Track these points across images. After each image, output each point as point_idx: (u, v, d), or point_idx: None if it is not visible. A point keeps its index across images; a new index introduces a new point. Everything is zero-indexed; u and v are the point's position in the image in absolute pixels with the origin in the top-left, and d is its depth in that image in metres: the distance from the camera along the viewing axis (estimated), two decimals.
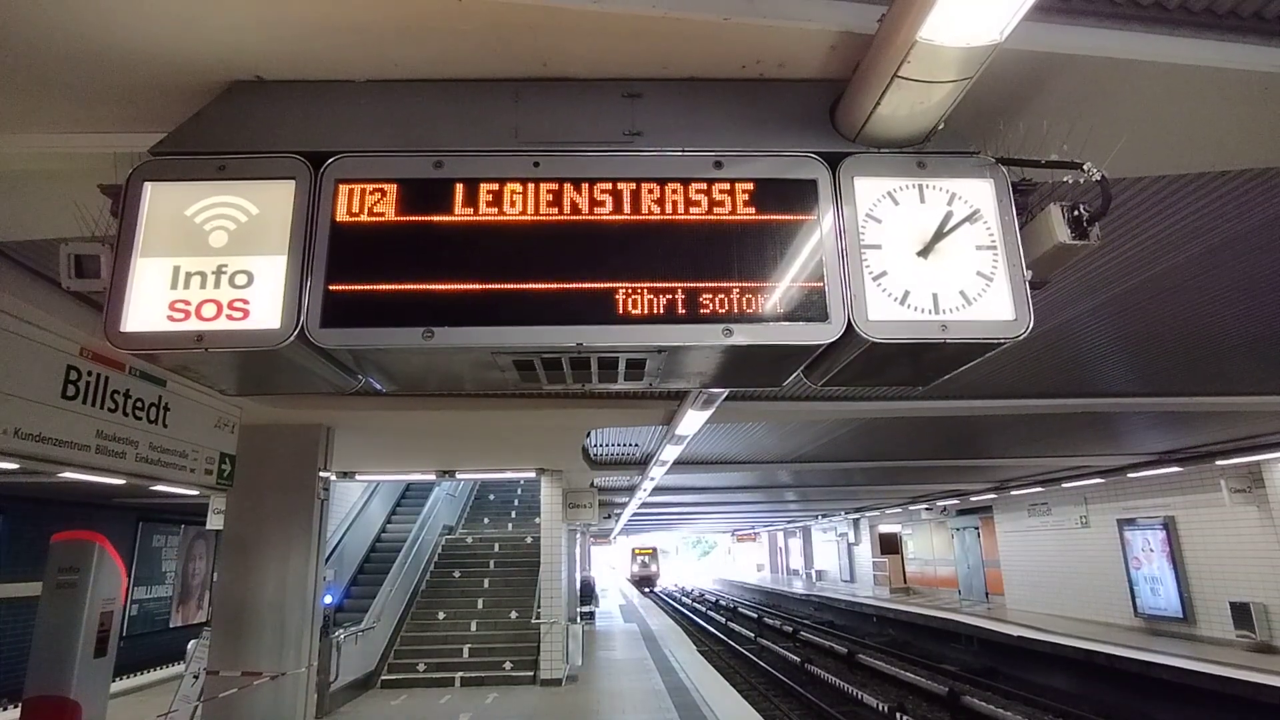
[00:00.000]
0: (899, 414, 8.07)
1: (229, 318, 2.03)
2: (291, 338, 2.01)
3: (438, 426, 8.37)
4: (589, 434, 9.79)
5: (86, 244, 2.12)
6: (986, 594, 22.17)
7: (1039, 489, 17.49)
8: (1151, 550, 15.20)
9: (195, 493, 13.43)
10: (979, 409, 7.86)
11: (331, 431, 8.01)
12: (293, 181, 2.15)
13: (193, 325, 2.01)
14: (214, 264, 2.07)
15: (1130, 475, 14.39)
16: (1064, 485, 16.58)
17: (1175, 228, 3.94)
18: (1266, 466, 12.88)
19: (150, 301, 2.02)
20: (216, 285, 2.05)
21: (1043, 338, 5.77)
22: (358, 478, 13.00)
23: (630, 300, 2.06)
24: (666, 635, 17.74)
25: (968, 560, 23.52)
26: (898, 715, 13.61)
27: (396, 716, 9.75)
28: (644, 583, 51.28)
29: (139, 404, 5.34)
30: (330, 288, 2.06)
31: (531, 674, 11.91)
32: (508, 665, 12.28)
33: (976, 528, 22.78)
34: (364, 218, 2.13)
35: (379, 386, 2.56)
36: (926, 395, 7.54)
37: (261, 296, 2.05)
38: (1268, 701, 10.29)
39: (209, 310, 2.03)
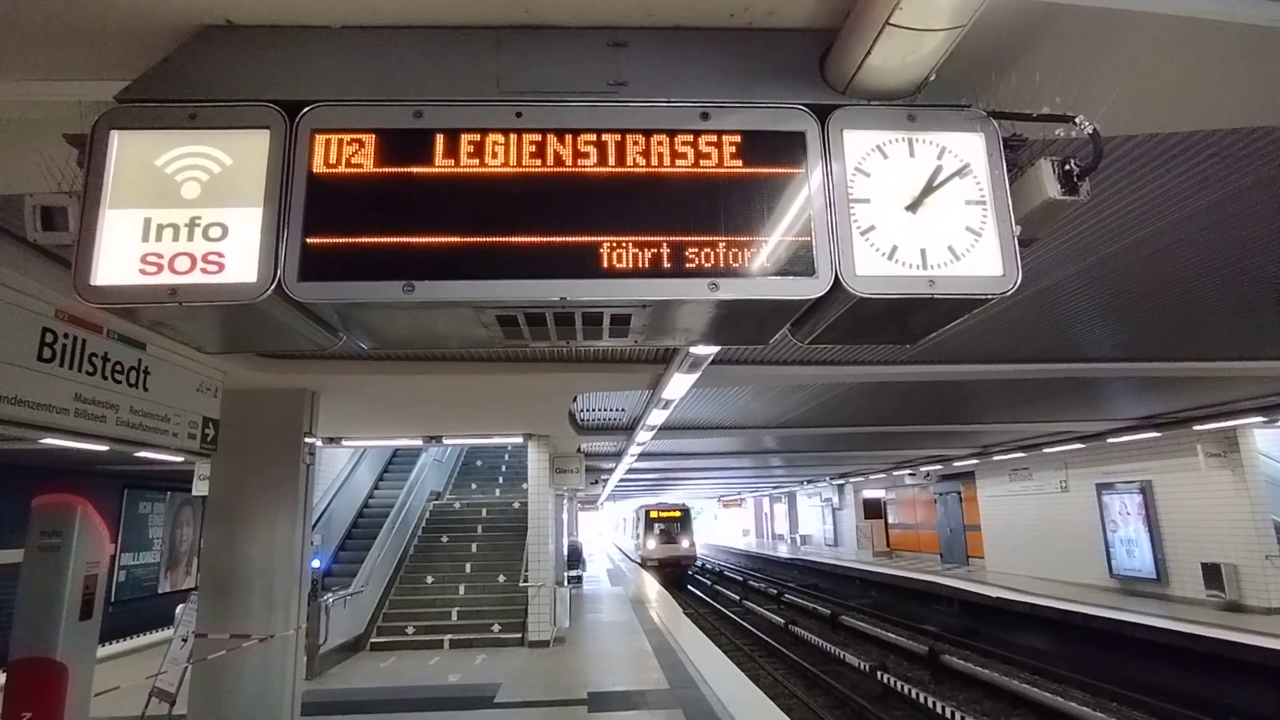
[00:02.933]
0: (884, 378, 8.12)
1: (203, 271, 1.98)
2: (268, 292, 1.96)
3: (424, 391, 8.33)
4: (576, 398, 9.78)
5: (53, 196, 2.06)
6: (967, 557, 22.62)
7: (1021, 454, 17.75)
8: (1128, 514, 15.53)
9: (180, 459, 13.36)
10: (964, 374, 7.92)
11: (316, 396, 7.95)
12: (267, 131, 2.08)
13: (166, 279, 1.96)
14: (187, 216, 2.01)
15: (1110, 440, 14.62)
16: (1045, 450, 16.83)
17: (1161, 190, 3.93)
18: (1242, 432, 13.13)
19: (121, 254, 1.96)
20: (190, 238, 1.99)
21: (1027, 302, 5.79)
22: (344, 443, 12.98)
23: (615, 254, 2.02)
24: (653, 599, 17.99)
25: (949, 524, 23.93)
26: (879, 674, 13.96)
27: (386, 678, 9.87)
28: (670, 570, 31.60)
29: (118, 367, 5.27)
30: (308, 241, 2.01)
31: (519, 636, 12.07)
32: (496, 628, 12.43)
33: (959, 492, 23.14)
34: (342, 169, 2.07)
35: (362, 344, 2.52)
36: (911, 360, 7.58)
37: (237, 250, 1.99)
38: (1237, 658, 10.62)
39: (182, 264, 1.97)
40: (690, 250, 2.04)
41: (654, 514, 34.33)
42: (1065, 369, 8.00)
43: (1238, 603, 13.02)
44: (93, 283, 1.94)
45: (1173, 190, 3.93)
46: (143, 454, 12.51)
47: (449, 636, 12.22)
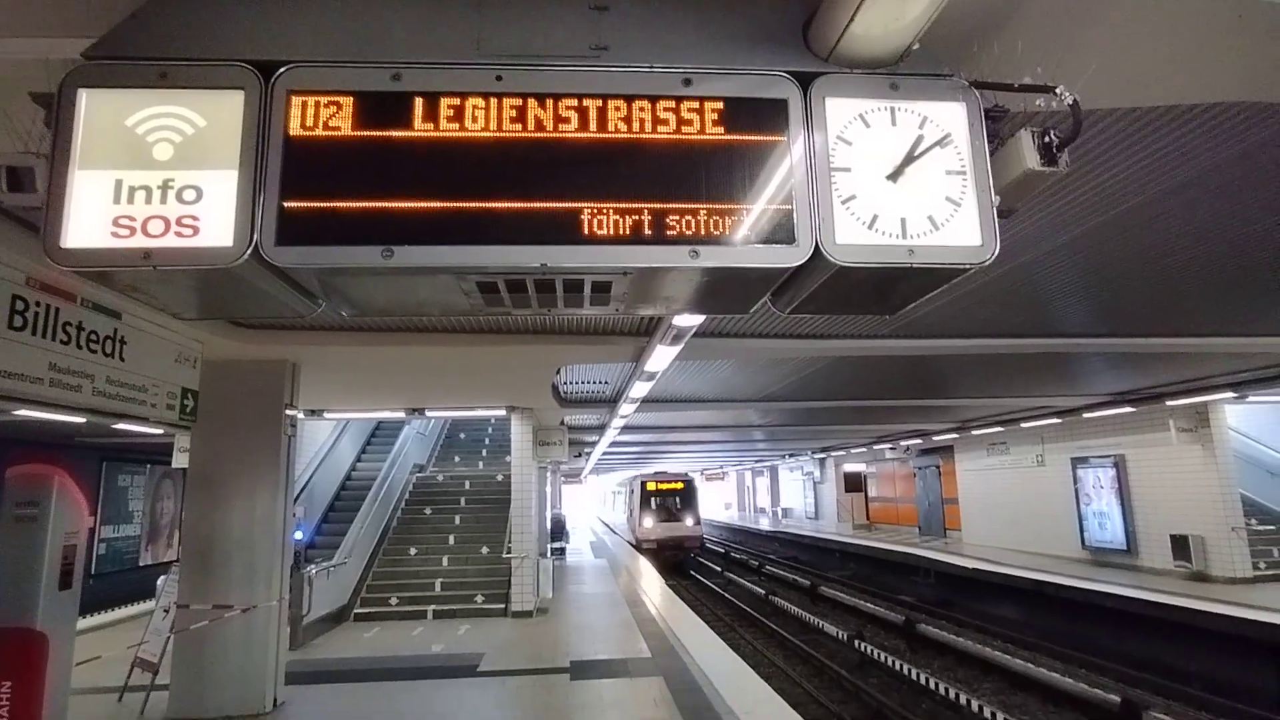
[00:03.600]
0: (866, 352, 8.18)
1: (178, 235, 1.95)
2: (245, 256, 1.94)
3: (406, 362, 8.29)
4: (559, 371, 9.78)
5: (19, 156, 2.01)
6: (944, 530, 23.02)
7: (999, 429, 18.01)
8: (1102, 487, 15.86)
9: (159, 431, 13.27)
10: (944, 348, 8.00)
11: (297, 367, 7.89)
12: (241, 92, 2.04)
13: (139, 242, 1.93)
14: (159, 178, 1.97)
15: (1085, 415, 14.86)
16: (1022, 425, 17.09)
17: (1139, 166, 3.96)
18: (1213, 407, 13.40)
19: (91, 217, 1.93)
20: (163, 201, 1.96)
21: (1006, 277, 5.84)
22: (326, 416, 12.92)
23: (595, 221, 2.02)
24: (635, 571, 18.19)
25: (928, 498, 24.31)
26: (856, 643, 14.25)
27: (370, 648, 9.94)
28: (671, 553, 26.60)
29: (93, 336, 5.19)
30: (285, 204, 1.98)
31: (503, 607, 12.17)
32: (479, 599, 12.52)
33: (937, 466, 23.49)
34: (319, 132, 2.04)
35: (341, 311, 2.50)
36: (892, 334, 7.64)
37: (212, 213, 1.96)
38: (1201, 626, 10.96)
39: (156, 227, 1.95)
40: (671, 217, 2.04)
41: (652, 486, 28.51)
42: (1043, 344, 8.10)
43: (1203, 573, 13.40)
44: (63, 245, 1.91)
45: (1150, 166, 3.96)
46: (121, 426, 12.43)
47: (432, 607, 12.30)
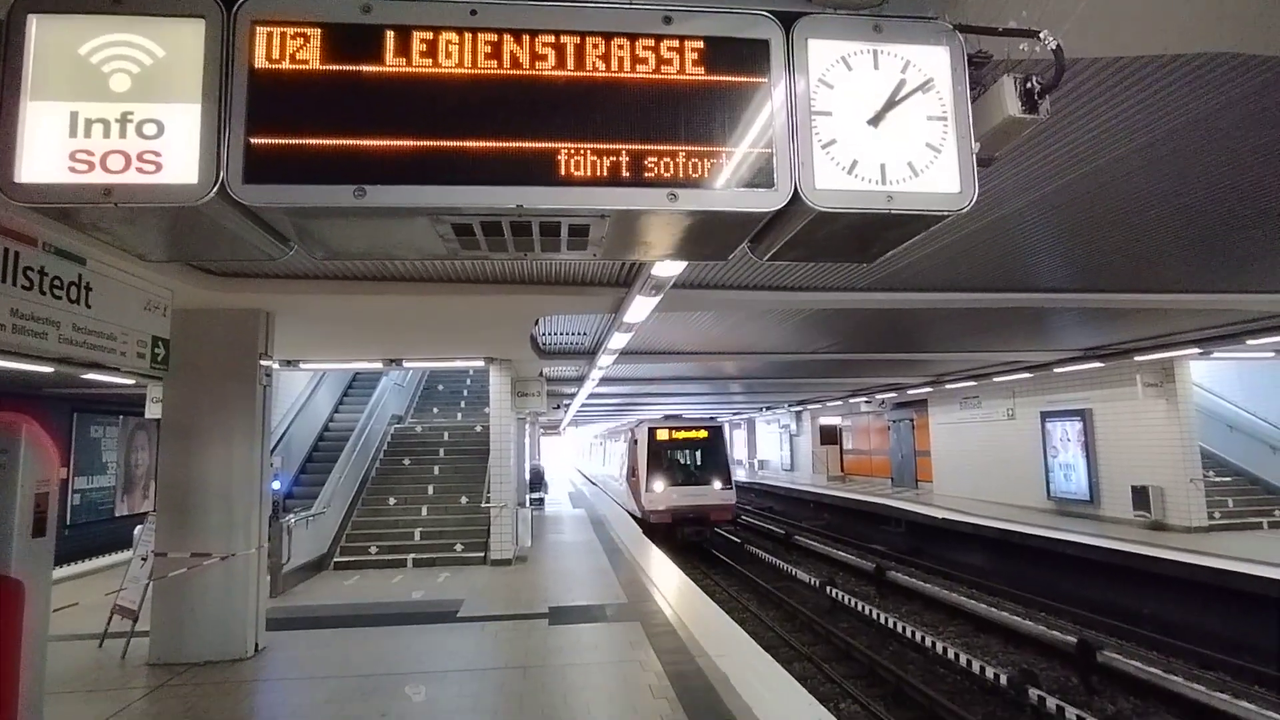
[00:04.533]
0: (843, 305, 8.22)
1: (139, 171, 1.88)
2: (211, 194, 1.88)
3: (383, 312, 8.18)
4: (538, 321, 9.73)
5: None
6: (916, 481, 23.57)
7: (972, 383, 18.32)
8: (1068, 440, 16.29)
9: (130, 381, 13.09)
10: (920, 302, 8.06)
11: (271, 317, 7.77)
12: (202, 21, 1.95)
13: (99, 178, 1.87)
14: (117, 111, 1.90)
15: (1056, 370, 15.15)
16: (995, 379, 17.39)
17: (1118, 119, 3.95)
18: (1178, 363, 13.73)
19: (47, 150, 1.86)
20: (122, 135, 1.89)
21: (983, 231, 5.86)
22: (302, 366, 12.78)
23: (572, 161, 1.98)
24: (613, 520, 18.46)
25: (901, 450, 24.82)
26: (828, 589, 14.68)
27: (350, 595, 10.05)
28: (692, 530, 19.79)
29: (57, 282, 5.05)
30: (252, 141, 1.92)
31: (482, 555, 12.33)
32: (459, 547, 12.67)
33: (911, 419, 23.92)
34: (285, 65, 1.97)
35: (314, 254, 2.45)
36: (869, 287, 7.68)
37: (175, 148, 1.90)
38: (1156, 572, 11.42)
39: (116, 162, 1.88)
40: (649, 159, 2.01)
41: (664, 435, 21.07)
42: (1018, 299, 8.19)
43: (1161, 522, 13.90)
44: (18, 180, 1.84)
45: (1129, 119, 3.95)
46: (91, 376, 12.21)
47: (412, 556, 12.43)
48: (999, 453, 18.79)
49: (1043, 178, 4.81)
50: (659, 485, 20.17)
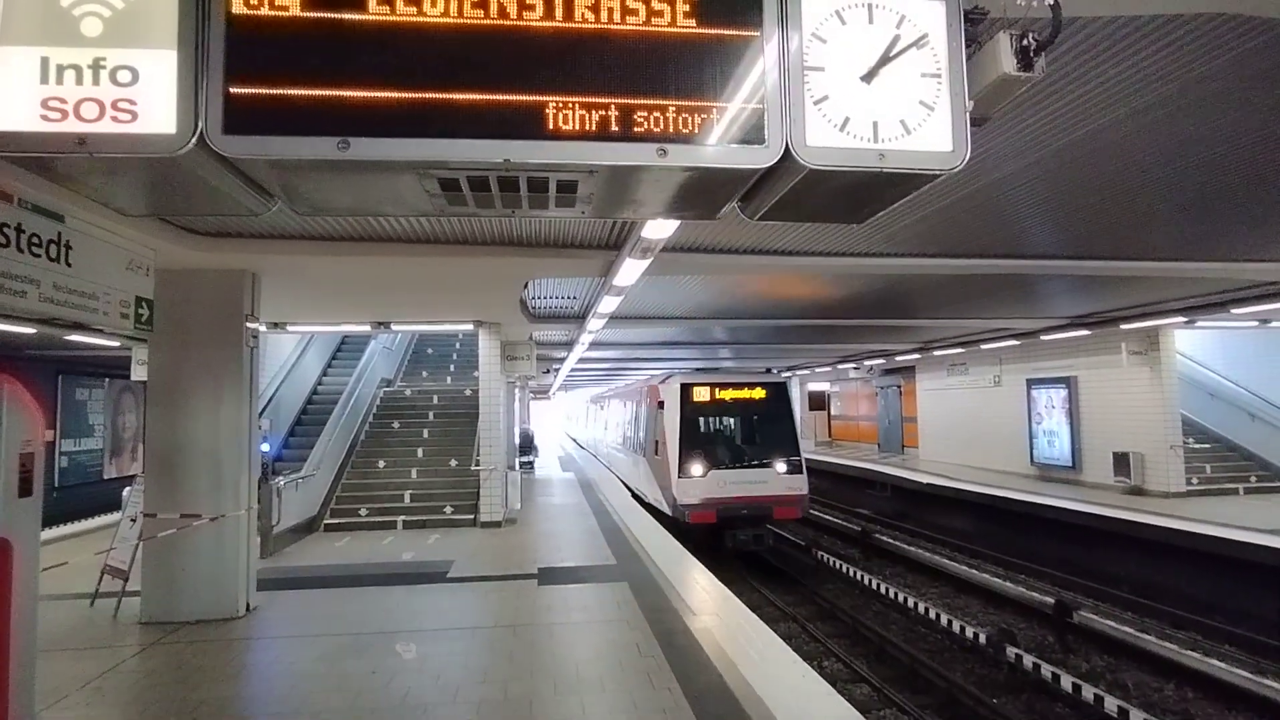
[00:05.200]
0: (834, 270, 8.22)
1: (114, 120, 1.83)
2: (190, 145, 1.84)
3: (371, 274, 8.10)
4: (527, 285, 9.67)
5: None
6: (903, 447, 23.84)
7: (960, 350, 18.43)
8: (1053, 407, 16.48)
9: (115, 343, 12.99)
10: (910, 267, 8.05)
11: (257, 278, 7.67)
12: None
13: (72, 126, 1.82)
14: (89, 57, 1.84)
15: (1043, 338, 15.25)
16: (982, 347, 17.50)
17: (1113, 82, 3.91)
18: (1163, 331, 13.85)
19: (18, 97, 1.80)
20: (95, 82, 1.84)
21: (977, 195, 5.84)
22: (290, 329, 12.67)
23: (561, 115, 1.95)
24: (601, 483, 18.61)
25: (888, 416, 25.04)
26: (813, 551, 14.93)
27: (340, 556, 10.13)
28: (745, 530, 13.70)
29: (35, 239, 4.95)
30: (231, 90, 1.87)
31: (472, 517, 12.42)
32: (448, 509, 12.75)
33: (899, 386, 24.10)
34: (264, 11, 1.91)
35: (298, 209, 2.41)
36: (861, 253, 7.66)
37: (150, 96, 1.85)
38: (1134, 535, 11.65)
39: (90, 110, 1.83)
40: (639, 114, 1.97)
41: (704, 393, 15.06)
42: (1008, 265, 8.20)
43: (1140, 487, 14.16)
44: None
45: (1124, 82, 3.91)
46: (74, 337, 12.08)
47: (402, 518, 12.50)
48: (985, 419, 18.99)
49: (1036, 142, 4.77)
50: (698, 467, 13.80)
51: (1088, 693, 7.97)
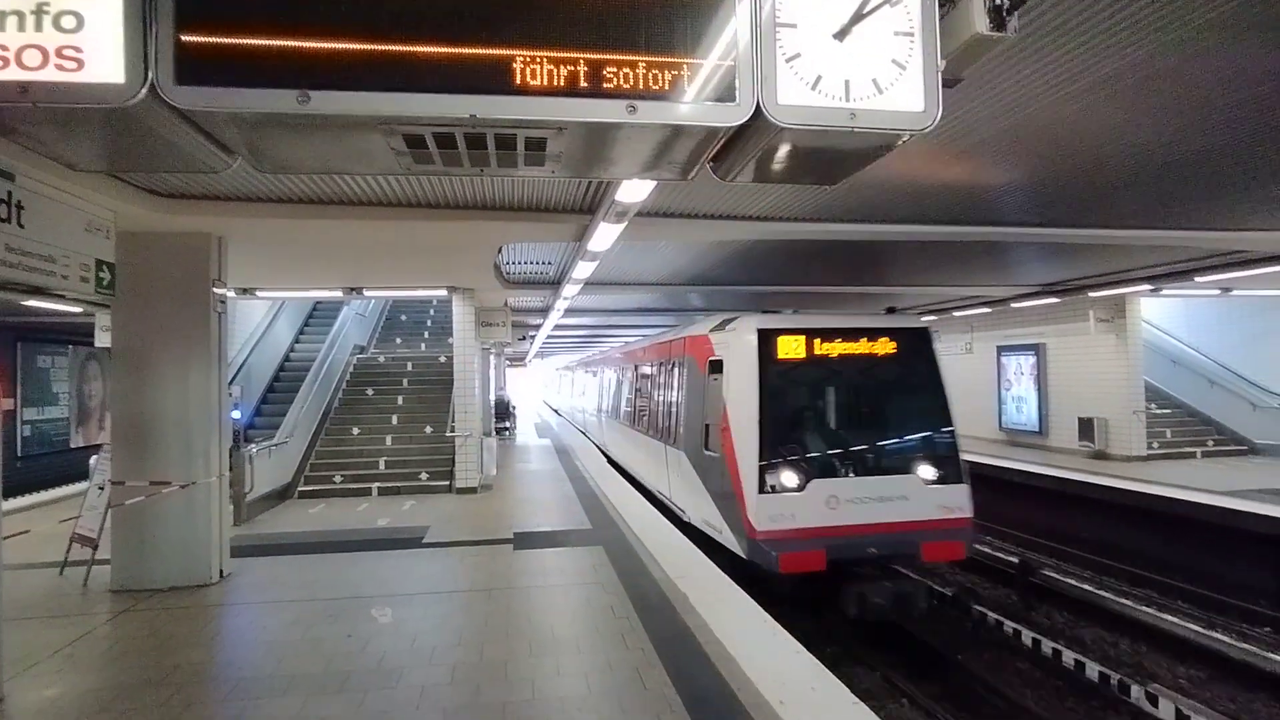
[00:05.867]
0: (808, 236, 8.20)
1: (59, 68, 1.76)
2: (140, 95, 1.77)
3: (341, 239, 7.95)
4: (501, 250, 9.56)
5: None
6: None
7: (932, 318, 18.60)
8: (1022, 374, 16.80)
9: (78, 309, 12.65)
10: (884, 234, 8.08)
11: (223, 241, 7.49)
12: None
13: (14, 75, 1.74)
14: (31, 2, 1.76)
15: (1014, 305, 15.47)
16: (955, 314, 17.71)
17: (1087, 46, 3.90)
18: (1130, 299, 14.12)
19: None
20: (38, 28, 1.76)
21: (949, 161, 5.84)
22: (259, 295, 12.43)
23: (528, 70, 1.90)
24: (578, 449, 18.67)
25: None
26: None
27: (315, 522, 10.10)
28: (873, 583, 7.73)
29: None
30: (183, 38, 1.80)
31: (447, 483, 12.43)
32: (424, 476, 12.74)
33: None
34: None
35: (259, 167, 2.34)
36: (835, 218, 7.66)
37: (97, 44, 1.77)
38: (1095, 498, 12.00)
39: (32, 58, 1.75)
40: (609, 69, 1.93)
41: (795, 346, 8.48)
42: (981, 232, 8.25)
43: (1104, 451, 14.55)
44: None
45: (1098, 47, 3.91)
46: (33, 303, 11.74)
47: (377, 485, 12.48)
48: (955, 386, 19.23)
49: (1010, 107, 4.77)
50: (790, 476, 8.07)
51: (1047, 648, 8.27)
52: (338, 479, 12.61)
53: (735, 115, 1.98)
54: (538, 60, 1.91)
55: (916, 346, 9.19)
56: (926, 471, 8.47)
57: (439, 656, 5.08)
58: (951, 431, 9.07)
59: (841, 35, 2.06)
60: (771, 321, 8.66)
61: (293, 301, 17.28)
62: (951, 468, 8.68)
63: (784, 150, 2.15)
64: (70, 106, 1.78)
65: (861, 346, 8.76)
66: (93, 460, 8.53)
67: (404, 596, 6.51)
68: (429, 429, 14.11)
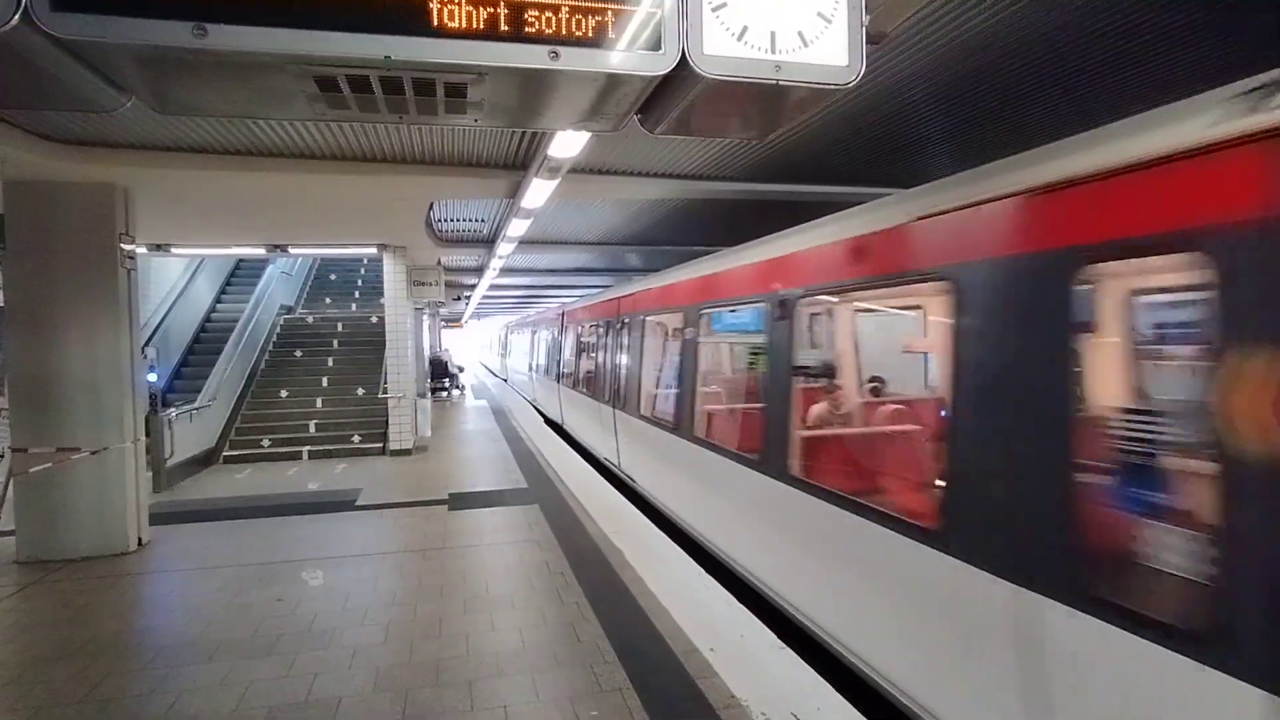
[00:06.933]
0: (741, 196, 8.23)
1: None
2: (12, 22, 1.62)
3: (260, 192, 7.56)
4: (432, 206, 9.27)
5: None
6: None
7: None
8: None
9: None
10: (815, 194, 8.17)
11: (130, 193, 7.02)
12: None
13: None
14: None
15: None
16: None
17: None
18: None
19: None
20: None
21: (877, 126, 5.92)
22: (175, 251, 11.76)
23: (447, 10, 1.82)
24: (515, 409, 18.58)
25: None
26: None
27: (242, 488, 9.80)
28: None
29: None
30: None
31: (381, 446, 12.22)
32: (356, 438, 12.48)
33: None
34: None
35: (161, 109, 2.20)
36: (767, 178, 7.71)
37: None
38: None
39: None
40: (530, 13, 1.87)
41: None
42: (918, 192, 8.41)
43: None
44: None
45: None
46: None
47: (307, 448, 12.16)
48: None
49: (939, 63, 4.85)
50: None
51: None
52: (266, 443, 12.24)
53: (660, 65, 1.95)
54: (456, 1, 1.83)
55: None
56: None
57: (372, 616, 5.04)
58: None
59: None
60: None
61: (213, 259, 16.43)
62: None
63: (709, 101, 2.13)
64: None
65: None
66: None
67: (336, 559, 6.41)
68: (361, 391, 13.78)
